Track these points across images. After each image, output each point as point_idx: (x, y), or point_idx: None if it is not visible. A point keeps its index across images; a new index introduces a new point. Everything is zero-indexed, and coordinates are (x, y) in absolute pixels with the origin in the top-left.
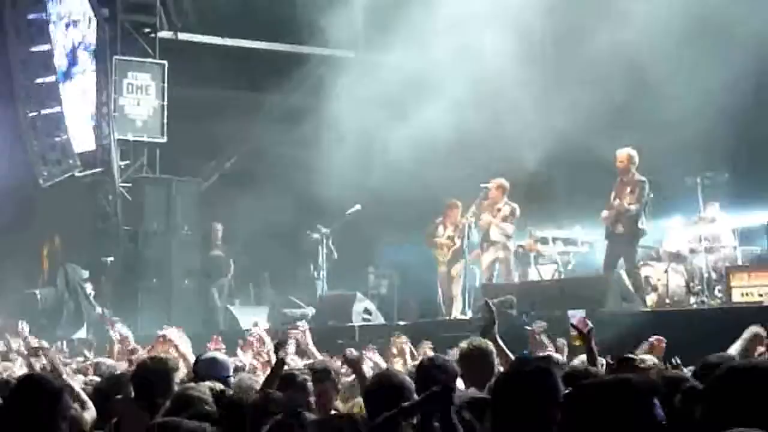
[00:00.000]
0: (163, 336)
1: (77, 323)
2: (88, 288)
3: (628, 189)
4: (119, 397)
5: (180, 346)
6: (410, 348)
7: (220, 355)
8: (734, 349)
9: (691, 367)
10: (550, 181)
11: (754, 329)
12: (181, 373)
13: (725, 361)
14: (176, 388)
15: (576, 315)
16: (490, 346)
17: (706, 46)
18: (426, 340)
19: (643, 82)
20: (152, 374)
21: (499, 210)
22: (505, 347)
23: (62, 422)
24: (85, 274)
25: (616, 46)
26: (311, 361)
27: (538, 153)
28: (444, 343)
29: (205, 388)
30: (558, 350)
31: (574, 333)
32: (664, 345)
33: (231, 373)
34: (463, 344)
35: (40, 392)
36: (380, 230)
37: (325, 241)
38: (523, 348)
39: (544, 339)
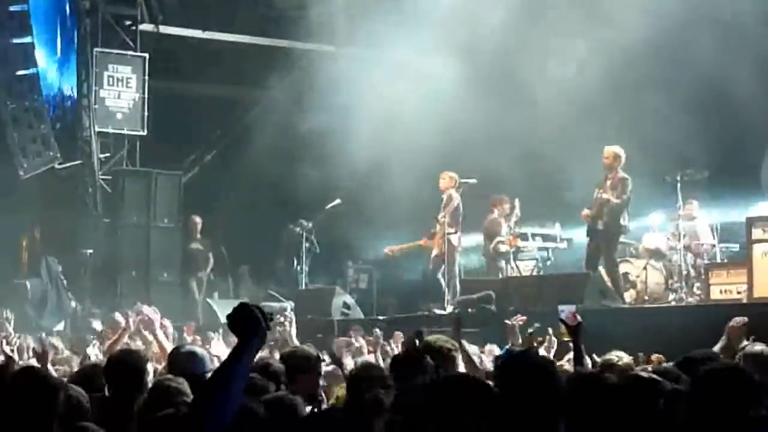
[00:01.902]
0: (145, 322)
1: (60, 315)
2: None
3: (612, 186)
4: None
5: (158, 337)
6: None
7: (199, 350)
8: (718, 346)
9: (670, 363)
10: (529, 178)
11: (732, 322)
12: (159, 366)
13: (708, 356)
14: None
15: (566, 309)
16: (450, 344)
17: (684, 45)
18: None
19: (623, 80)
20: (125, 367)
21: (443, 202)
22: (469, 353)
23: (56, 419)
24: (59, 267)
25: (595, 47)
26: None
27: (520, 150)
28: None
29: (182, 379)
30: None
31: (562, 327)
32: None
33: (209, 368)
34: (430, 339)
35: (39, 386)
36: (360, 225)
37: (306, 235)
38: (502, 341)
39: (518, 332)
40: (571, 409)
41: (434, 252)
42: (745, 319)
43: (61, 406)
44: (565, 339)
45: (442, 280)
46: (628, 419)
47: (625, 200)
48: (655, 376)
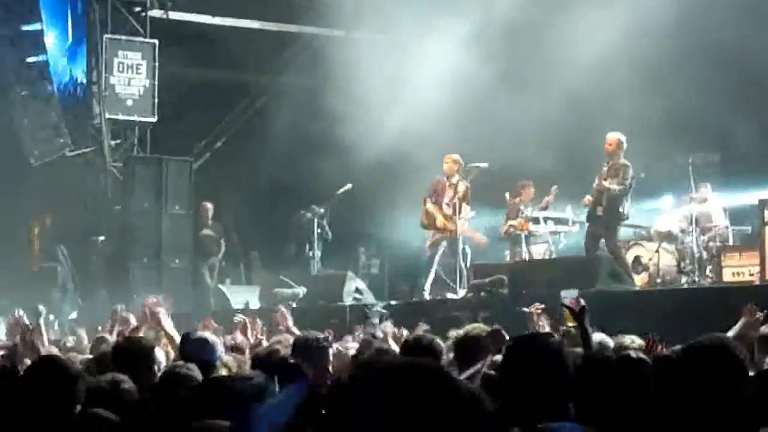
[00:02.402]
0: (152, 312)
1: (75, 303)
2: None
3: (613, 172)
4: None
5: (166, 326)
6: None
7: (211, 337)
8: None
9: (679, 347)
10: (542, 162)
11: (749, 316)
12: (171, 354)
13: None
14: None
15: (569, 295)
16: (486, 332)
17: (697, 27)
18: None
19: (635, 62)
20: (132, 354)
21: (451, 185)
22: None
23: (75, 407)
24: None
25: (608, 28)
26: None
27: (530, 134)
28: (435, 323)
29: (194, 365)
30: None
31: (566, 313)
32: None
33: (218, 356)
34: (461, 331)
35: (58, 375)
36: (373, 210)
37: (318, 220)
38: (512, 325)
39: (542, 320)
40: (580, 390)
41: (432, 238)
42: (762, 315)
43: (80, 394)
44: (570, 325)
45: (435, 266)
46: (626, 398)
47: (626, 186)
48: (642, 355)
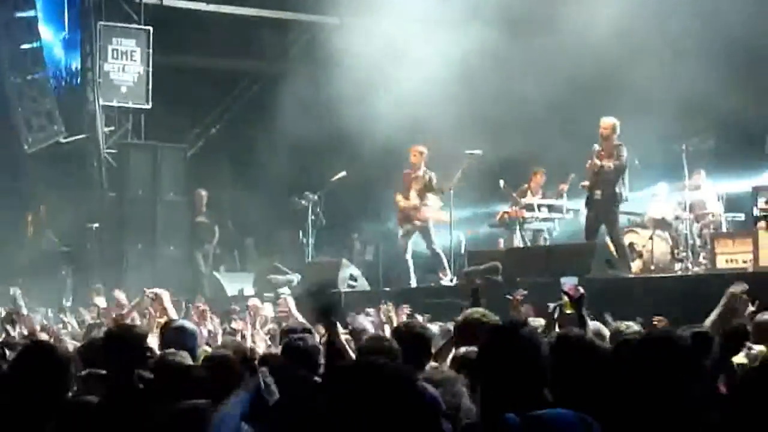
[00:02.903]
0: (155, 294)
1: (69, 290)
2: None
3: (607, 153)
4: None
5: (169, 310)
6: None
7: (189, 324)
8: (713, 315)
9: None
10: (536, 149)
11: (729, 290)
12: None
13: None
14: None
15: (568, 281)
16: (485, 317)
17: (696, 13)
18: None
19: (629, 48)
20: (125, 342)
21: (417, 178)
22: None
23: (66, 393)
24: None
25: (599, 14)
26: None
27: (524, 121)
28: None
29: (186, 353)
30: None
31: (565, 299)
32: None
33: (198, 343)
34: (460, 316)
35: (48, 360)
36: (366, 197)
37: (312, 207)
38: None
39: (522, 307)
40: (556, 372)
41: (405, 229)
42: (746, 285)
43: (72, 379)
44: (568, 311)
45: (409, 259)
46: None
47: (620, 164)
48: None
